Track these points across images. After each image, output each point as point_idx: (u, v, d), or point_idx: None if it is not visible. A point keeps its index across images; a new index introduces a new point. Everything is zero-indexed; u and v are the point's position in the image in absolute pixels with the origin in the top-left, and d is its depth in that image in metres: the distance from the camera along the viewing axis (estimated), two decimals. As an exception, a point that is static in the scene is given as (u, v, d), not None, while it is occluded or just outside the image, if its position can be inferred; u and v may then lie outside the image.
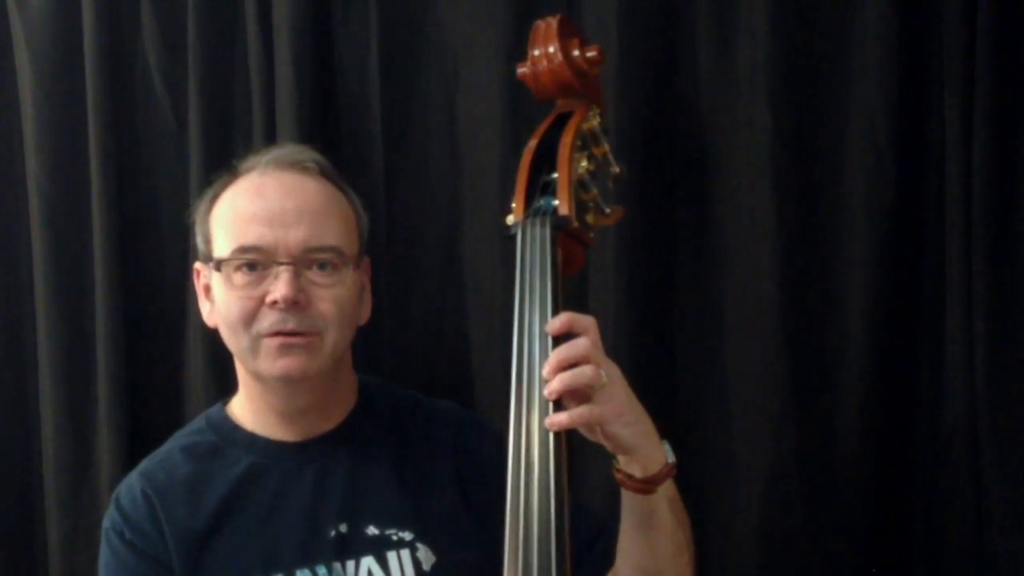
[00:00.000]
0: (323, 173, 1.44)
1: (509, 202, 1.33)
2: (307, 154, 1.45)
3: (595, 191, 1.34)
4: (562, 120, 1.37)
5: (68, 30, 1.89)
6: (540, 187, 1.31)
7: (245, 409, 1.47)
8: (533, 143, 1.35)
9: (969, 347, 1.57)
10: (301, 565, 1.38)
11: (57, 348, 1.91)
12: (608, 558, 1.36)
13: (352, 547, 1.39)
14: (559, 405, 1.19)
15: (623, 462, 1.25)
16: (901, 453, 1.64)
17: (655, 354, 1.69)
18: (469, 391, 1.78)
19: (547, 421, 1.17)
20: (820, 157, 1.65)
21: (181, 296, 1.89)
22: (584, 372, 1.18)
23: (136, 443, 1.85)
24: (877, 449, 1.64)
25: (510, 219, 1.30)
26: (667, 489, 1.27)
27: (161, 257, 1.90)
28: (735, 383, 1.68)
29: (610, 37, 1.67)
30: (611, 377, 1.21)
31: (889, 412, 1.63)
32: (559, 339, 1.21)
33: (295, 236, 1.36)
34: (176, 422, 1.86)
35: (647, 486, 1.25)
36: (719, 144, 1.68)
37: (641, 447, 1.24)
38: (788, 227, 1.64)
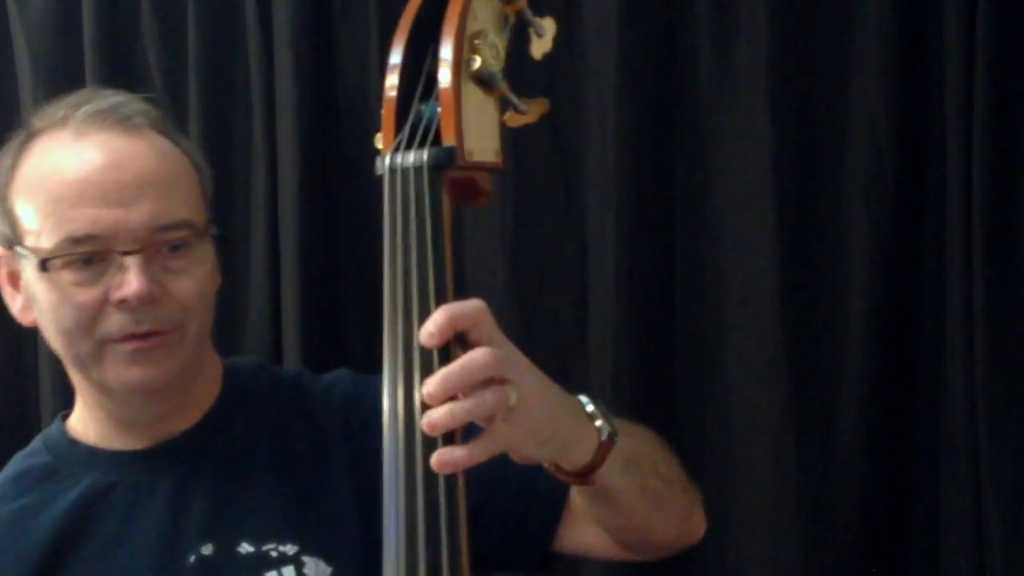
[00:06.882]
0: (155, 128, 1.14)
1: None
2: (133, 105, 1.14)
3: (503, 83, 0.89)
4: None
5: (68, 30, 1.89)
6: (423, 80, 0.89)
7: (84, 419, 1.19)
8: (412, 8, 0.89)
9: (969, 347, 1.57)
10: None
11: (57, 348, 1.91)
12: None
13: (220, 571, 1.11)
14: (449, 435, 0.84)
15: None
16: (901, 453, 1.64)
17: (655, 354, 1.69)
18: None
19: (434, 461, 0.83)
20: (820, 157, 1.65)
21: (181, 296, 1.88)
22: (484, 401, 0.83)
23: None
24: (877, 449, 1.63)
25: (378, 141, 0.91)
26: (612, 460, 0.98)
27: (161, 257, 1.90)
28: (735, 383, 1.68)
29: (610, 37, 1.66)
30: (521, 389, 0.86)
31: (889, 412, 1.63)
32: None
33: (138, 215, 1.07)
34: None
35: (583, 479, 0.98)
36: (719, 145, 1.68)
37: (563, 454, 0.96)
38: (788, 227, 1.64)
